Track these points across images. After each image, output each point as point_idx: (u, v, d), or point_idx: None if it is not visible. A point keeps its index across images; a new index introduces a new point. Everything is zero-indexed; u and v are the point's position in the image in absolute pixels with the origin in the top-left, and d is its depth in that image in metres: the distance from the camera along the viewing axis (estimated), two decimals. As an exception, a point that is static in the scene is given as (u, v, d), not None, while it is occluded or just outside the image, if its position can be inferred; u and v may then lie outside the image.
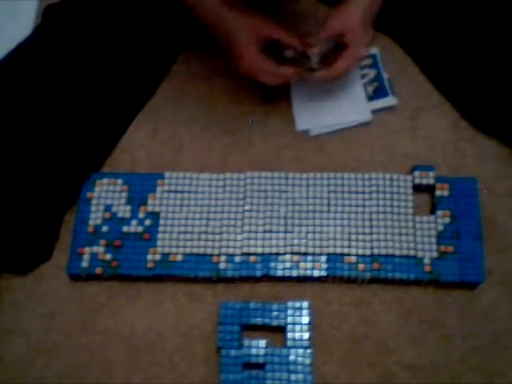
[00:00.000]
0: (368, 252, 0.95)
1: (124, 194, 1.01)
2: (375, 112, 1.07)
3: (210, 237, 0.97)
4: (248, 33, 0.93)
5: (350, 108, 1.06)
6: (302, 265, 0.95)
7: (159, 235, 0.97)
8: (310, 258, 0.95)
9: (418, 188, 0.99)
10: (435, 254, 0.94)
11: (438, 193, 0.98)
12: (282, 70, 0.95)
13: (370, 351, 0.91)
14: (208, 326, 0.93)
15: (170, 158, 1.05)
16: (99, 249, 0.97)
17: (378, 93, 1.07)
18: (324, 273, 0.94)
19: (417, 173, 0.99)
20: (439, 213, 0.97)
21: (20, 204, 0.93)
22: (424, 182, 0.98)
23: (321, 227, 0.97)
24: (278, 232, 0.97)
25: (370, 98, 1.07)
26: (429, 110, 1.07)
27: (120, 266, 0.96)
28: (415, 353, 0.91)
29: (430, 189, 0.99)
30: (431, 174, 0.99)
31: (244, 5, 0.95)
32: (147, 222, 0.98)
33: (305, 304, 0.93)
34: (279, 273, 0.95)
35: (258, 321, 0.92)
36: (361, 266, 0.94)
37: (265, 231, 0.97)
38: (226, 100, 1.09)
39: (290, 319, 0.91)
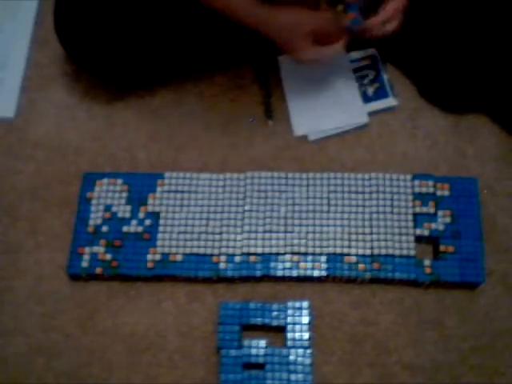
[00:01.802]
0: (368, 252, 0.95)
1: (124, 194, 1.01)
2: (375, 113, 1.07)
3: (210, 237, 0.97)
4: (295, 28, 0.93)
5: (345, 112, 1.06)
6: (302, 265, 0.95)
7: (159, 235, 0.97)
8: (309, 257, 0.95)
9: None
10: (435, 254, 0.94)
11: (438, 193, 0.98)
12: (334, 48, 0.96)
13: (370, 351, 0.91)
14: (208, 326, 0.93)
15: (170, 158, 1.05)
16: (99, 249, 0.97)
17: (378, 94, 1.07)
18: (324, 273, 0.94)
19: (417, 182, 0.99)
20: (440, 213, 0.97)
21: None
22: (424, 190, 0.98)
23: (321, 227, 0.97)
24: (278, 232, 0.97)
25: (370, 99, 1.07)
26: (429, 110, 1.07)
27: (120, 266, 0.96)
28: (415, 353, 0.91)
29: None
30: (430, 182, 0.99)
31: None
32: (147, 222, 0.98)
33: (305, 304, 0.93)
34: (279, 273, 0.94)
35: (258, 321, 0.92)
36: (361, 265, 0.94)
37: (265, 231, 0.97)
38: (226, 100, 1.09)
39: (289, 319, 0.91)
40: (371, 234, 0.96)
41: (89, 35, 1.01)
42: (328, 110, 1.07)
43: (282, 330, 0.91)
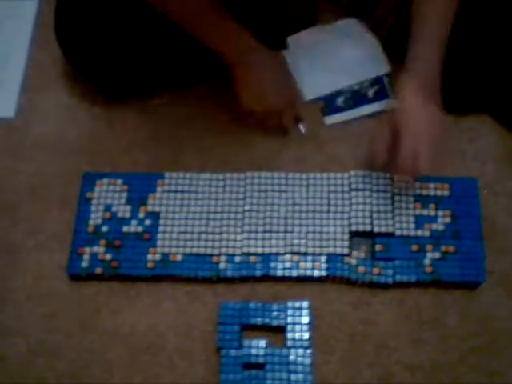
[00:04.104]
0: (369, 255, 0.95)
1: (124, 194, 1.00)
2: (375, 113, 1.06)
3: (210, 237, 0.97)
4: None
5: (364, 62, 1.01)
6: (302, 265, 0.95)
7: (159, 235, 0.97)
8: (309, 258, 0.95)
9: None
10: (436, 255, 0.94)
11: (438, 193, 0.98)
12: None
13: (370, 351, 0.91)
14: (208, 326, 0.93)
15: (170, 158, 1.05)
16: (99, 249, 0.97)
17: (379, 95, 1.07)
18: (324, 273, 0.94)
19: (417, 184, 0.99)
20: (440, 213, 0.97)
21: None
22: (424, 192, 0.98)
23: (321, 227, 0.97)
24: (277, 232, 0.97)
25: (371, 101, 1.07)
26: (429, 110, 1.07)
27: (120, 266, 0.95)
28: (415, 353, 0.91)
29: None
30: (431, 185, 0.99)
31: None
32: (147, 222, 0.98)
33: (305, 304, 0.93)
34: (279, 273, 0.94)
35: (258, 321, 0.92)
36: (361, 268, 0.94)
37: (265, 231, 0.97)
38: (225, 100, 1.09)
39: (290, 319, 0.91)
40: (371, 234, 0.96)
41: (90, 45, 1.02)
42: (343, 64, 1.01)
43: (282, 330, 0.91)
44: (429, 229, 0.96)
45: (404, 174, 0.90)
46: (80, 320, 0.94)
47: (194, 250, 0.96)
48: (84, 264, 0.96)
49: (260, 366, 0.89)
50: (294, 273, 0.94)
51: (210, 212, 0.98)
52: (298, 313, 0.92)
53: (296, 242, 0.96)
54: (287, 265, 0.95)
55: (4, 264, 0.99)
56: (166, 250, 0.96)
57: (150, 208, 0.99)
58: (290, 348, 0.90)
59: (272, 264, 0.95)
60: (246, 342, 0.90)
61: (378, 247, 0.95)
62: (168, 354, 0.92)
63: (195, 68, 1.07)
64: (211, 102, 1.09)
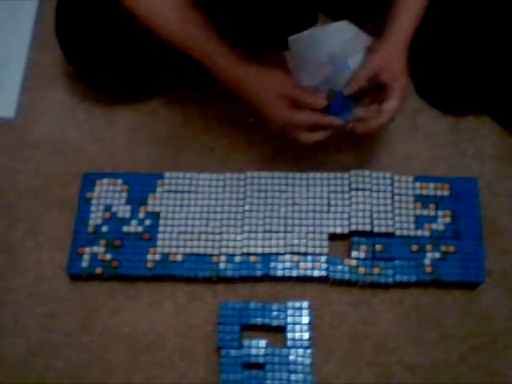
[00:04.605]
0: (369, 255, 0.95)
1: (124, 194, 1.00)
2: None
3: (210, 237, 0.97)
4: (271, 90, 0.89)
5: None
6: (301, 265, 0.95)
7: (159, 235, 0.97)
8: (309, 258, 0.95)
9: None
10: (436, 255, 0.94)
11: (438, 193, 0.98)
12: (321, 118, 0.89)
13: (370, 351, 0.91)
14: (208, 326, 0.93)
15: (169, 158, 1.05)
16: (99, 249, 0.97)
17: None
18: (324, 273, 0.94)
19: (418, 184, 0.99)
20: (440, 213, 0.97)
21: None
22: (425, 192, 0.98)
23: (321, 227, 0.97)
24: (278, 232, 0.97)
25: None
26: (429, 110, 1.07)
27: (120, 265, 0.95)
28: (415, 353, 0.91)
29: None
30: (432, 185, 0.99)
31: (259, 63, 0.92)
32: (147, 222, 0.98)
33: (305, 304, 0.92)
34: (279, 273, 0.94)
35: (258, 321, 0.92)
36: (361, 269, 0.94)
37: (265, 231, 0.97)
38: (225, 100, 1.09)
39: (290, 319, 0.91)
40: (372, 234, 0.96)
41: (90, 44, 1.02)
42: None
43: (282, 330, 0.91)
44: (429, 229, 0.96)
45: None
46: (80, 320, 0.94)
47: (194, 250, 0.96)
48: (84, 264, 0.96)
49: (260, 366, 0.89)
50: (294, 273, 0.94)
51: (210, 212, 0.98)
52: (298, 313, 0.92)
53: (296, 241, 0.96)
54: (287, 265, 0.95)
55: (4, 264, 0.99)
56: (166, 250, 0.96)
57: (149, 208, 0.99)
58: (290, 348, 0.90)
59: (272, 264, 0.95)
60: (246, 342, 0.90)
61: (378, 247, 0.95)
62: (168, 354, 0.92)
63: (195, 69, 1.07)
64: (211, 102, 1.09)
